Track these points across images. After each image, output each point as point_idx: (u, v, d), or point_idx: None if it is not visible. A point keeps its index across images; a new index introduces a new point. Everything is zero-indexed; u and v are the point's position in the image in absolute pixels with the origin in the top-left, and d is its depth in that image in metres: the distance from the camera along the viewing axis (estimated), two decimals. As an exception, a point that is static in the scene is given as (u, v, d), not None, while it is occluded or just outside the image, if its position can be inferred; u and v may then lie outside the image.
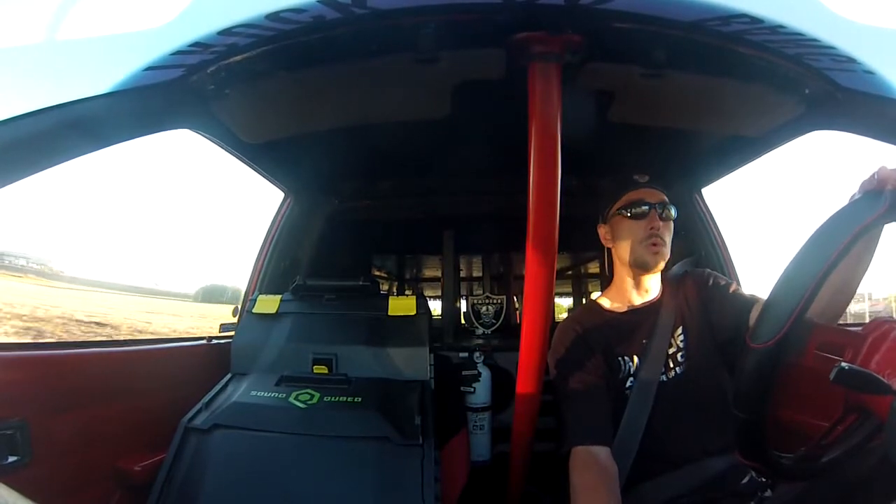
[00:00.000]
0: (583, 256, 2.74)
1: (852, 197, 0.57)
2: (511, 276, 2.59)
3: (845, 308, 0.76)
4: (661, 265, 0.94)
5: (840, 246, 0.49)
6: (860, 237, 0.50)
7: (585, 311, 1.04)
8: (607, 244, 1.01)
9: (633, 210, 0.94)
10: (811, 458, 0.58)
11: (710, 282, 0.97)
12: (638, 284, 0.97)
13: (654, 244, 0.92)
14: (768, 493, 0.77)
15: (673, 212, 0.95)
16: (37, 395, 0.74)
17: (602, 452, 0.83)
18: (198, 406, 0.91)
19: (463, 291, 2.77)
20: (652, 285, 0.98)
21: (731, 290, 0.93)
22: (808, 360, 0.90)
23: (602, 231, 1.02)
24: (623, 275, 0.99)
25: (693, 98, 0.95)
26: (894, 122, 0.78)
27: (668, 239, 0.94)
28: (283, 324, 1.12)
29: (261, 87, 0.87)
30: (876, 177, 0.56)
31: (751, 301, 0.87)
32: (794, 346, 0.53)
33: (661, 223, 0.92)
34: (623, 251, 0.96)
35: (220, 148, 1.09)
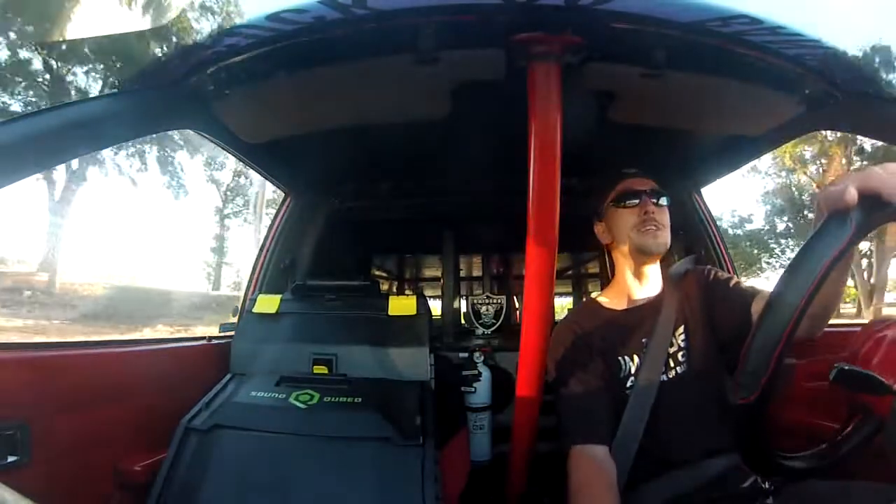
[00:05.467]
0: (583, 256, 2.74)
1: (817, 219, 0.52)
2: (511, 276, 2.59)
3: (823, 327, 0.76)
4: (663, 250, 0.94)
5: (811, 286, 0.48)
6: (831, 270, 0.48)
7: (584, 311, 1.04)
8: (605, 241, 1.01)
9: (626, 200, 0.95)
10: (818, 458, 0.58)
11: (711, 277, 0.96)
12: (639, 275, 0.97)
13: (651, 227, 0.92)
14: (770, 500, 0.76)
15: (665, 199, 0.95)
16: (37, 395, 0.74)
17: (600, 451, 0.83)
18: (198, 406, 0.91)
19: (463, 291, 2.77)
20: (652, 276, 0.98)
21: (732, 284, 0.93)
22: (803, 377, 0.91)
23: (599, 229, 1.02)
24: (623, 268, 0.98)
25: (693, 98, 0.95)
26: (894, 122, 0.78)
27: (666, 223, 0.94)
28: (283, 324, 1.12)
29: (261, 87, 0.87)
30: (840, 198, 0.48)
31: (751, 294, 0.86)
32: (780, 387, 0.53)
33: (654, 208, 0.93)
34: (622, 241, 0.96)
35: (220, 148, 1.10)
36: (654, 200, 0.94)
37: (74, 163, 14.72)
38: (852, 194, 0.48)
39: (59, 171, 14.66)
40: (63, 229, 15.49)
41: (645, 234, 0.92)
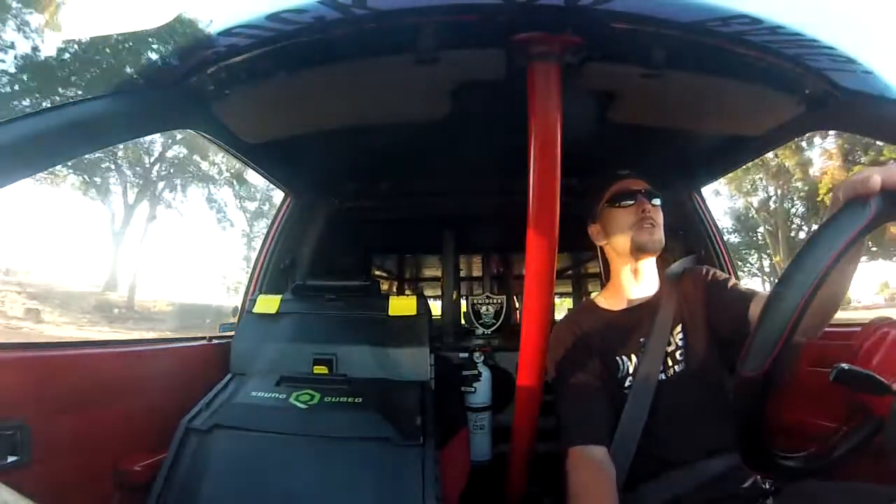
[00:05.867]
0: (583, 256, 2.74)
1: (835, 202, 0.53)
2: (511, 276, 2.59)
3: (830, 319, 0.74)
4: (659, 248, 0.94)
5: (825, 265, 0.48)
6: (845, 252, 0.48)
7: (582, 311, 1.04)
8: (600, 242, 1.01)
9: (622, 200, 0.95)
10: (818, 458, 0.57)
11: (709, 277, 0.96)
12: (636, 274, 0.97)
13: (649, 225, 0.93)
14: (770, 500, 0.76)
15: (658, 200, 0.96)
16: (37, 395, 0.74)
17: (599, 452, 0.83)
18: (198, 406, 0.91)
19: (463, 291, 2.77)
20: (648, 276, 0.98)
21: (730, 284, 0.93)
22: (803, 377, 0.91)
23: (594, 230, 1.02)
24: (619, 268, 0.99)
25: (693, 98, 0.96)
26: (893, 122, 0.78)
27: (661, 222, 0.95)
28: (284, 324, 1.12)
29: (261, 87, 0.87)
30: (863, 184, 0.49)
31: (749, 295, 0.86)
32: (785, 369, 0.52)
33: (650, 206, 0.94)
34: (618, 241, 0.96)
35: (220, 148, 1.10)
36: (649, 199, 0.95)
37: (131, 196, 16.24)
38: (876, 180, 0.49)
39: (118, 204, 16.12)
40: (124, 253, 16.58)
41: (642, 232, 0.93)
